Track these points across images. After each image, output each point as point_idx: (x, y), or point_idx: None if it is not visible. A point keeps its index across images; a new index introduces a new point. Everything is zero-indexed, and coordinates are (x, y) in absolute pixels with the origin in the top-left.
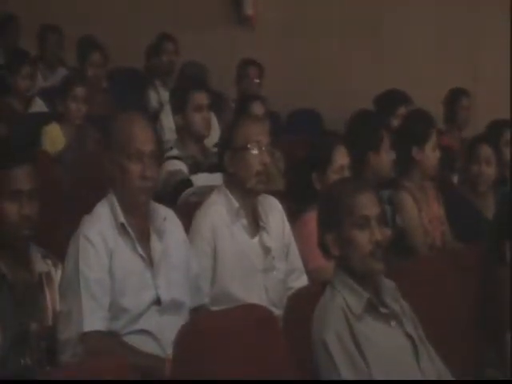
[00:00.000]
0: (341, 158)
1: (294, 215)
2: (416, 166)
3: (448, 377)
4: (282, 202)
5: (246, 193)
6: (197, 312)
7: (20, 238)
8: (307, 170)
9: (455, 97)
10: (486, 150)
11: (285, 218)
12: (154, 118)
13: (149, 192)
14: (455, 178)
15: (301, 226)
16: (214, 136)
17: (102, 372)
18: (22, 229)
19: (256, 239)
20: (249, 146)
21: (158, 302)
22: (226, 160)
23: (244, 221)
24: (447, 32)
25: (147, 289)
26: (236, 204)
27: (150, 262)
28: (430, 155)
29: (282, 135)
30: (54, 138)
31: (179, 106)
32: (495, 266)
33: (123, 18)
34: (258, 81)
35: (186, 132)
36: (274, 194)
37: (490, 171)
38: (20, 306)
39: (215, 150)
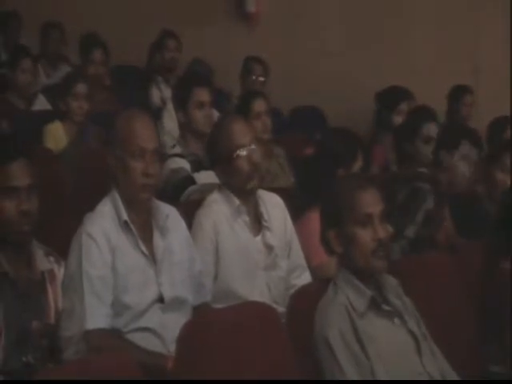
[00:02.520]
0: (360, 156)
1: (298, 212)
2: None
3: (451, 374)
4: (285, 199)
5: (243, 192)
6: (199, 309)
7: (20, 233)
8: (319, 167)
9: (458, 93)
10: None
11: (287, 216)
12: (156, 115)
13: (151, 189)
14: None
15: (305, 222)
16: None
17: (104, 369)
18: (21, 224)
19: (259, 237)
20: (234, 155)
21: (160, 299)
22: (216, 173)
23: (246, 218)
24: (448, 28)
25: (150, 286)
26: (237, 201)
27: (152, 259)
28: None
29: (285, 132)
30: (57, 136)
31: (181, 102)
32: (500, 259)
33: (125, 15)
34: (262, 79)
35: (187, 129)
36: (277, 191)
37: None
38: (22, 304)
39: None
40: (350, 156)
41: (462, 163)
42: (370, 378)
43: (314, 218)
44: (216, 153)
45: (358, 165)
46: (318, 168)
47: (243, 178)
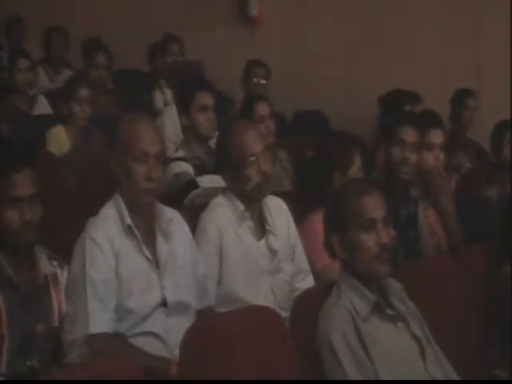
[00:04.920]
0: (358, 160)
1: (301, 215)
2: None
3: (455, 377)
4: (288, 203)
5: (249, 198)
6: (203, 313)
7: (24, 243)
8: (316, 170)
9: (461, 97)
10: None
11: (291, 220)
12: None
13: (154, 193)
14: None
15: (308, 225)
16: None
17: (108, 373)
18: (24, 234)
19: (262, 242)
20: (245, 161)
21: (164, 303)
22: (225, 177)
23: (250, 223)
24: (450, 32)
25: (153, 290)
26: (241, 207)
27: (156, 263)
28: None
29: (288, 136)
30: (60, 140)
31: (184, 106)
32: (503, 264)
33: (127, 18)
34: (264, 82)
35: (190, 133)
36: (281, 194)
37: None
38: (26, 308)
39: None
40: (346, 159)
41: (399, 149)
42: None
43: (317, 221)
44: (226, 157)
45: (355, 169)
46: (316, 170)
47: (251, 184)
